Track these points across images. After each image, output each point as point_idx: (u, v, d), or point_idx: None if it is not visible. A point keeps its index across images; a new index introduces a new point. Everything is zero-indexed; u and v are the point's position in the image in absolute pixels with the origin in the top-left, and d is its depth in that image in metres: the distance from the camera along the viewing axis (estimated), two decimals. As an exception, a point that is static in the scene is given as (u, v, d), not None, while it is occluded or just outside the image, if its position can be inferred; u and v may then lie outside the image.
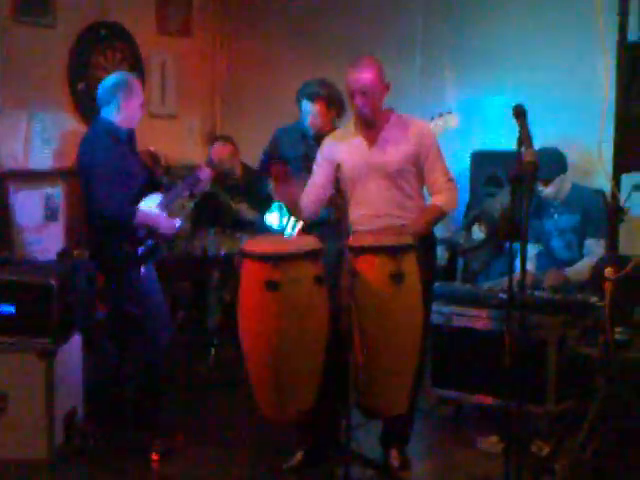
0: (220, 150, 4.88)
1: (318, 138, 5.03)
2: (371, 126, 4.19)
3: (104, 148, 4.52)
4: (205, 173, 4.75)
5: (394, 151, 4.14)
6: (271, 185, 5.37)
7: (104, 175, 4.43)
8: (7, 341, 4.24)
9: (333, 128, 4.84)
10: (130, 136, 4.70)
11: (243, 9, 7.15)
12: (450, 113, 4.68)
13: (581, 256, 4.94)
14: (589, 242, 4.91)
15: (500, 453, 4.07)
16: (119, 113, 4.58)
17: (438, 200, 4.19)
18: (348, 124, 4.35)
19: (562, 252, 5.00)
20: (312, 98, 5.01)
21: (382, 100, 4.18)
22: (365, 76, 4.09)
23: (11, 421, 4.21)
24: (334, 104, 5.03)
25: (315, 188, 4.32)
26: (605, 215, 4.39)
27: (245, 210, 6.00)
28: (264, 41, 7.03)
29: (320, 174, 4.29)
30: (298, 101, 5.08)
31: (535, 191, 4.86)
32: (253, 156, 5.65)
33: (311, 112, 5.02)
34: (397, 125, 4.20)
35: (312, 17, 6.77)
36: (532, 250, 4.96)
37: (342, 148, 4.25)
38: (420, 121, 4.34)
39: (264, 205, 5.70)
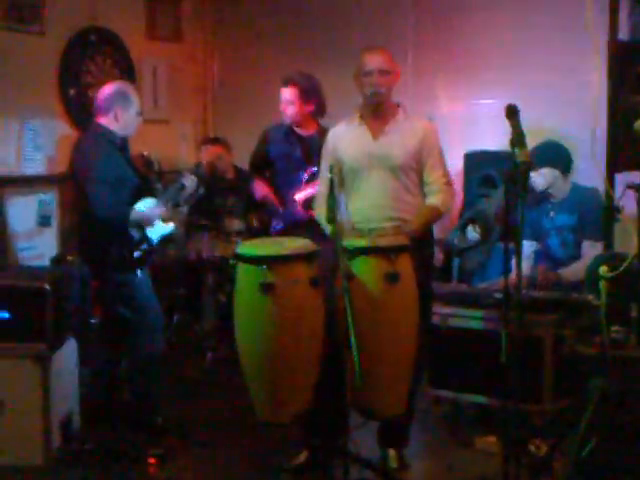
0: (209, 155, 4.88)
1: (301, 138, 5.04)
2: (380, 113, 4.16)
3: (99, 152, 4.52)
4: (189, 181, 4.75)
5: (400, 144, 4.12)
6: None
7: (99, 178, 4.42)
8: (2, 347, 4.22)
9: (320, 129, 4.84)
10: (123, 142, 4.70)
11: (233, 13, 7.15)
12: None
13: (578, 255, 4.92)
14: (586, 244, 4.89)
15: (498, 453, 4.06)
16: (117, 122, 4.58)
17: (436, 201, 4.18)
18: (352, 115, 4.26)
19: (558, 250, 4.99)
20: (285, 82, 4.99)
21: (393, 88, 4.16)
22: (384, 57, 4.10)
23: (7, 427, 4.19)
24: (310, 97, 4.99)
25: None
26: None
27: (230, 223, 5.98)
28: (254, 45, 7.03)
29: (327, 168, 4.11)
30: None
31: (529, 187, 4.83)
32: (245, 159, 5.64)
33: (284, 98, 5.00)
34: (404, 120, 4.18)
35: (302, 21, 6.78)
36: (529, 248, 4.93)
37: (345, 138, 4.22)
38: (426, 120, 4.36)
39: (254, 207, 5.71)
